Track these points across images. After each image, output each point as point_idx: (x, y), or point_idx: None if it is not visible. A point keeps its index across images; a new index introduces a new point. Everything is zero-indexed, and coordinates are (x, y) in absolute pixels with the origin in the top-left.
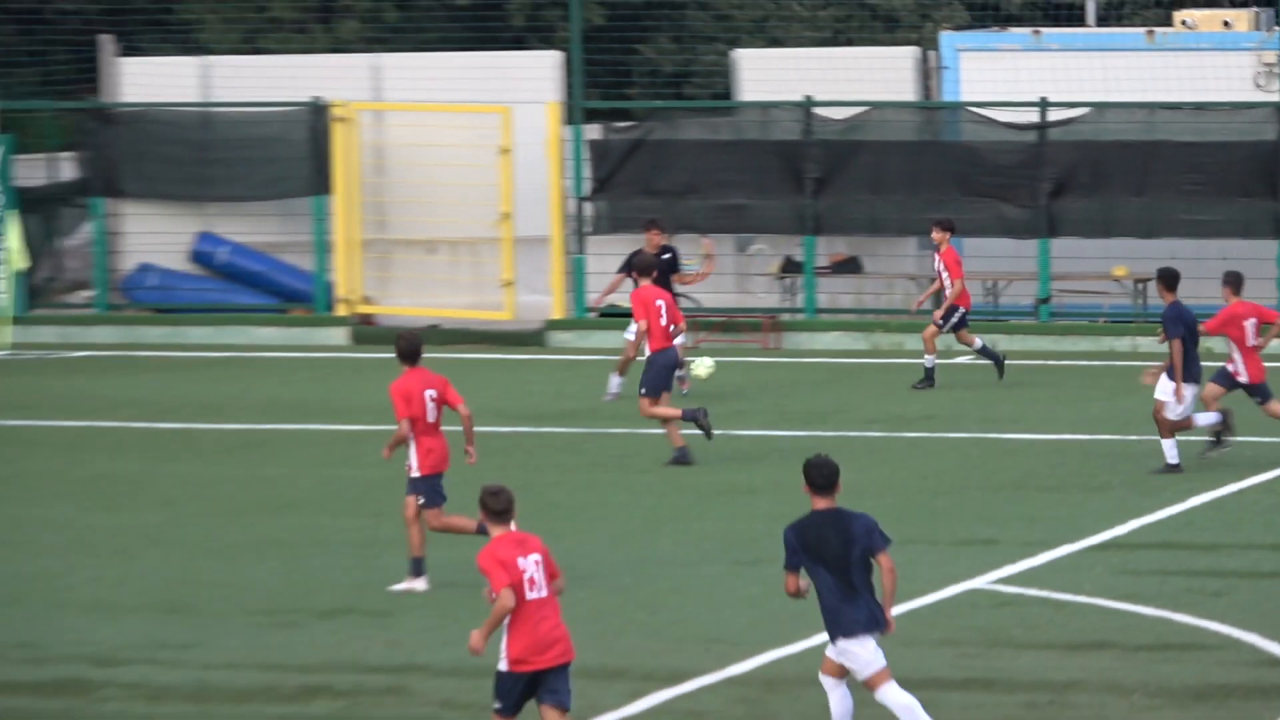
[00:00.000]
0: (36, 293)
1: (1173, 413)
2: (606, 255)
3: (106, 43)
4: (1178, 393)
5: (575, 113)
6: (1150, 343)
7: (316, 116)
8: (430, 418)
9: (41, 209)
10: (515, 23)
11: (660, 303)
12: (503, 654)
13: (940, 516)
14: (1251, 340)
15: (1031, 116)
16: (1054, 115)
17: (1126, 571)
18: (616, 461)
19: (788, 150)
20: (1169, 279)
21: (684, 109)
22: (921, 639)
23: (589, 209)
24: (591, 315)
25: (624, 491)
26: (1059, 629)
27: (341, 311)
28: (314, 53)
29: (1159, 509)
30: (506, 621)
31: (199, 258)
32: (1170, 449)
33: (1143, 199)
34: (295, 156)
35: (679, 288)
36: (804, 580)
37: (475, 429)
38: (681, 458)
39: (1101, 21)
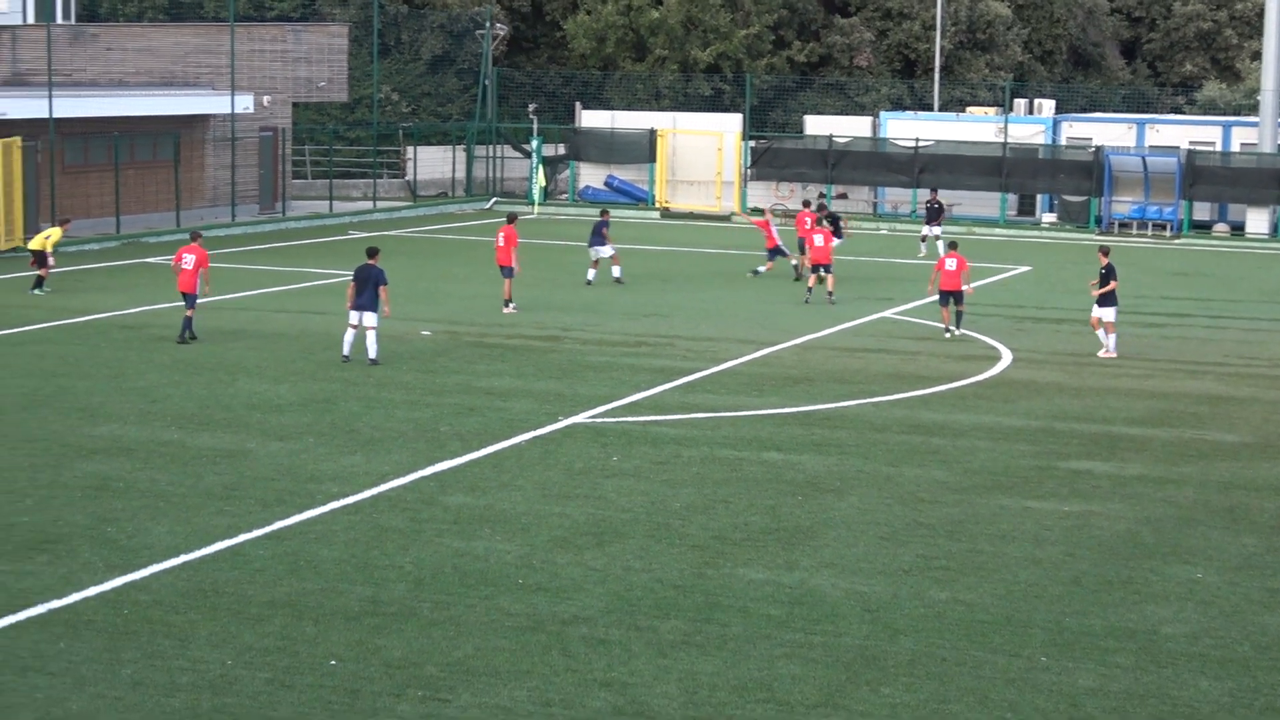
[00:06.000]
0: (546, 195)
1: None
2: (755, 189)
3: (577, 103)
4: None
5: (745, 136)
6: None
7: (650, 134)
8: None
9: (550, 164)
10: (727, 102)
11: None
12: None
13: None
14: None
15: (910, 144)
16: (923, 144)
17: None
18: (740, 271)
19: (822, 154)
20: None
21: (785, 136)
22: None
23: (749, 173)
24: (746, 211)
25: (742, 286)
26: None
27: (657, 205)
28: (650, 110)
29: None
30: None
31: (607, 183)
32: None
33: (952, 175)
34: (642, 149)
35: (776, 203)
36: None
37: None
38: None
39: (941, 109)
